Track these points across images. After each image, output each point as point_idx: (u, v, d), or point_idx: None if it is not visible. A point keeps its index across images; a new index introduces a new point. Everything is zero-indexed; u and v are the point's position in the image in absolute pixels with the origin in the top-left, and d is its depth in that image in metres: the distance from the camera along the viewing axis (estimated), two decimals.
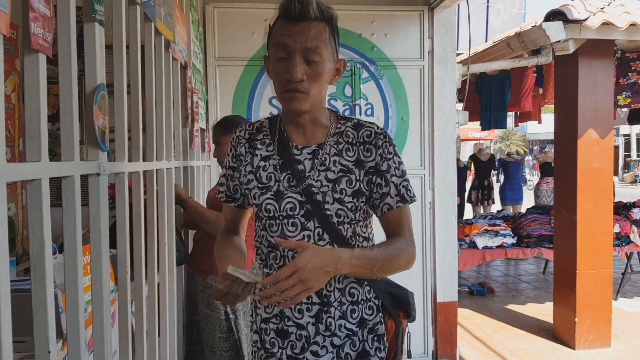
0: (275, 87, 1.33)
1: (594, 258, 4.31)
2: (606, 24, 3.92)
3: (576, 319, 4.29)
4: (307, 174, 1.34)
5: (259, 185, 1.36)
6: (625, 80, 4.70)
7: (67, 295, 1.08)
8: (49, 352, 0.93)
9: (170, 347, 2.01)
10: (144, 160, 1.67)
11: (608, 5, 4.18)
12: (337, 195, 1.32)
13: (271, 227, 1.35)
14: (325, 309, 1.33)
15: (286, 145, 1.38)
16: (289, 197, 1.33)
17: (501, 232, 5.26)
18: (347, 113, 3.60)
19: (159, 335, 1.87)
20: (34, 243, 0.91)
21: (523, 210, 6.98)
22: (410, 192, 1.38)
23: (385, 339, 1.40)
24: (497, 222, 5.49)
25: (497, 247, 5.21)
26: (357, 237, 1.37)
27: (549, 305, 4.93)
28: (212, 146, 2.65)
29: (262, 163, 1.38)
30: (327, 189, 1.32)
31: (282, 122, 1.43)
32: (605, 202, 4.35)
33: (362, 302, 1.37)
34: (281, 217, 1.33)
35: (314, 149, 1.37)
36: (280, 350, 1.36)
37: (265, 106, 3.57)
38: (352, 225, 1.35)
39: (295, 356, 1.34)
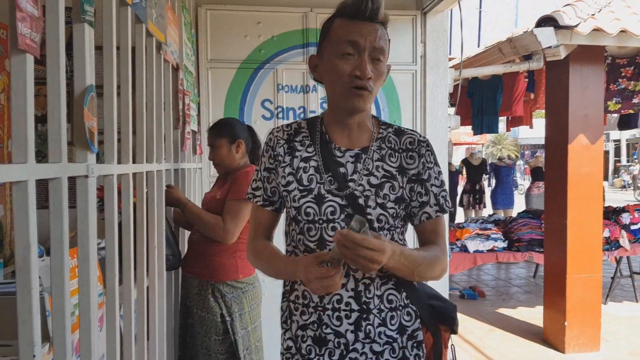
0: (333, 84, 1.30)
1: (584, 262, 4.33)
2: (597, 30, 3.95)
3: (566, 323, 4.31)
4: (349, 178, 1.32)
5: (300, 188, 1.33)
6: (615, 86, 4.73)
7: (53, 299, 1.06)
8: (34, 356, 0.92)
9: (159, 351, 1.99)
10: (133, 162, 1.66)
11: (599, 11, 4.21)
12: (380, 200, 1.30)
13: (310, 231, 1.32)
14: (364, 316, 1.30)
15: (328, 147, 1.36)
16: (330, 200, 1.31)
17: (492, 236, 5.28)
18: None
19: (147, 339, 1.85)
20: (19, 246, 0.90)
21: (514, 214, 7.00)
22: (448, 203, 1.39)
23: (424, 345, 1.38)
24: (488, 226, 5.52)
25: (488, 251, 5.23)
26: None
27: (540, 309, 4.95)
28: (207, 149, 2.64)
29: (302, 164, 1.35)
30: (370, 193, 1.30)
31: (324, 123, 1.40)
32: (595, 206, 4.38)
33: (400, 308, 1.35)
34: (321, 221, 1.31)
35: (356, 152, 1.35)
36: (318, 357, 1.33)
37: (257, 108, 3.56)
38: (391, 232, 1.34)
39: None
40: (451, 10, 3.87)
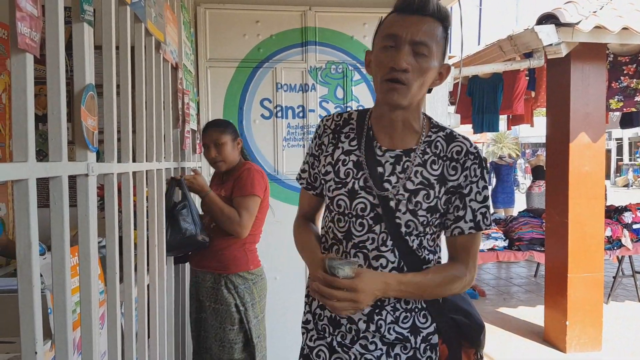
0: (375, 79, 1.30)
1: (586, 261, 4.33)
2: (599, 27, 3.94)
3: (567, 323, 4.31)
4: (385, 178, 1.32)
5: (335, 180, 1.36)
6: (617, 84, 4.72)
7: (55, 297, 1.07)
8: (36, 353, 0.93)
9: (160, 348, 2.00)
10: (134, 161, 1.66)
11: (601, 8, 4.20)
12: (411, 207, 1.29)
13: (339, 222, 1.36)
14: (377, 311, 1.33)
15: (371, 145, 1.36)
16: (362, 197, 1.32)
17: (493, 235, 5.28)
18: None
19: (148, 337, 1.86)
20: (20, 244, 0.91)
21: (515, 213, 6.99)
22: (487, 220, 1.33)
23: (438, 348, 1.37)
24: None
25: (489, 250, 5.23)
26: (423, 249, 1.35)
27: (541, 308, 4.95)
28: (203, 148, 2.67)
29: (342, 157, 1.37)
30: (403, 198, 1.29)
31: (371, 118, 1.40)
32: (597, 205, 4.37)
33: (416, 309, 1.35)
34: (350, 215, 1.33)
35: (397, 154, 1.34)
36: (331, 337, 1.39)
37: (256, 107, 3.57)
38: (420, 238, 1.33)
39: (345, 344, 1.36)
40: (451, 7, 3.87)
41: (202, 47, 3.47)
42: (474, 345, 1.42)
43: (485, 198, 1.33)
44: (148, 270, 1.87)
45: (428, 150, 1.34)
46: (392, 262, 1.32)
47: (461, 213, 1.32)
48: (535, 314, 5.20)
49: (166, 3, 2.19)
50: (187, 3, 3.04)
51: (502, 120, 7.15)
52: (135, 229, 1.71)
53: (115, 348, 1.43)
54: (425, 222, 1.31)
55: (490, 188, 9.70)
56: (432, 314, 1.36)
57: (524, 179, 22.94)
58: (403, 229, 1.30)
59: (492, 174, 9.80)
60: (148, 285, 1.88)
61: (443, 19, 1.26)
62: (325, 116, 1.46)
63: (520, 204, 9.31)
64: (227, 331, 2.49)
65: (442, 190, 1.31)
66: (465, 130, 7.03)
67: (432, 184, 1.31)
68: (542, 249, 5.06)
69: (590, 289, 4.34)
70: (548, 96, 4.72)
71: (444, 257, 1.39)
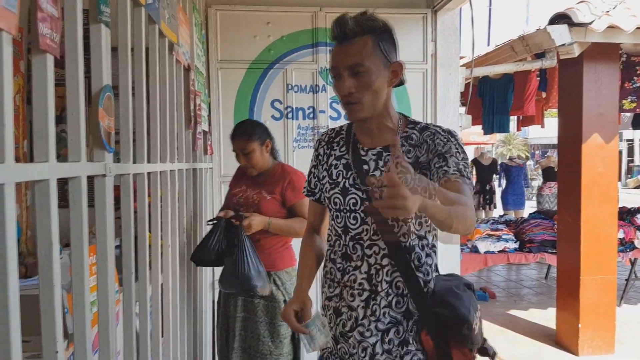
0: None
1: (598, 264, 4.29)
2: (612, 27, 3.91)
3: (579, 325, 4.27)
4: (370, 174, 1.48)
5: (330, 181, 1.56)
6: (630, 84, 4.69)
7: (74, 296, 1.08)
8: (57, 352, 0.93)
9: (173, 348, 2.01)
10: (148, 162, 1.67)
11: (614, 8, 4.17)
12: None
13: (337, 219, 1.54)
14: (373, 296, 1.46)
15: (355, 147, 1.54)
16: (353, 193, 1.49)
17: (503, 236, 5.25)
18: None
19: (162, 336, 1.87)
20: (41, 244, 0.91)
21: (525, 215, 6.95)
22: (467, 171, 1.41)
23: (421, 337, 1.46)
24: (499, 226, 5.48)
25: (499, 252, 5.20)
26: (410, 234, 1.45)
27: (551, 310, 4.91)
28: (220, 152, 2.67)
29: (334, 162, 1.57)
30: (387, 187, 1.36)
31: (354, 126, 1.60)
32: (610, 207, 4.33)
33: (407, 295, 1.46)
34: (345, 210, 1.51)
35: (378, 151, 1.50)
36: (335, 327, 1.54)
37: (267, 109, 3.57)
38: (405, 223, 1.44)
39: (346, 333, 1.51)
40: (461, 8, 3.85)
41: (213, 49, 3.48)
42: (459, 340, 1.42)
43: (465, 158, 1.42)
44: (162, 270, 1.88)
45: (405, 143, 1.49)
46: (383, 249, 1.46)
47: (443, 164, 1.40)
48: (546, 317, 5.17)
49: (179, 5, 2.20)
50: (199, 4, 3.05)
51: (512, 121, 7.11)
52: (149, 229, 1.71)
53: (131, 347, 1.43)
54: None
55: (500, 189, 9.65)
56: (415, 304, 1.45)
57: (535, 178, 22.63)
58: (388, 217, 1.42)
59: (502, 175, 9.74)
60: (162, 285, 1.89)
61: (368, 31, 1.39)
62: (322, 132, 1.69)
63: (529, 204, 9.23)
64: (277, 326, 2.56)
65: (417, 172, 1.39)
66: (475, 131, 7.00)
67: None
68: (554, 251, 5.02)
69: (602, 291, 4.31)
70: (560, 97, 4.68)
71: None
